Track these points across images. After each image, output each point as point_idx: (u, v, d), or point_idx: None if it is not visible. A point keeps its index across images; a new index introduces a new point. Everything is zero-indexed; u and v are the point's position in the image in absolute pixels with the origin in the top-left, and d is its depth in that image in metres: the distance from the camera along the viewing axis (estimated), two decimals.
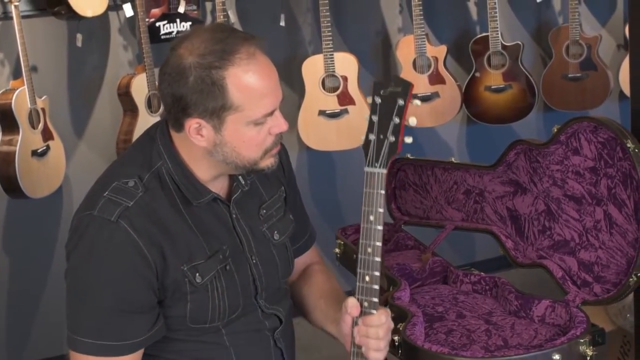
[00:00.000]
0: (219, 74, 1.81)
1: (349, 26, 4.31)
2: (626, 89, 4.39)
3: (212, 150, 1.89)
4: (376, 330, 1.88)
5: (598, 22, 4.70)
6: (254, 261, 2.00)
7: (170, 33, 4.03)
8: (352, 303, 1.88)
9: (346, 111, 4.14)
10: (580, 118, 2.32)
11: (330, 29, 4.00)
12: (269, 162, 1.94)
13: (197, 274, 1.88)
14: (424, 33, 4.15)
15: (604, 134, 2.27)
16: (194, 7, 4.08)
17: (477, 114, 4.39)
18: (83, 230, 1.85)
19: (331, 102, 4.12)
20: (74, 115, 4.06)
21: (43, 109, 3.76)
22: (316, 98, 4.11)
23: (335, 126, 4.16)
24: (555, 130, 2.38)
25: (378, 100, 1.80)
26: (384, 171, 1.81)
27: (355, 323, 1.89)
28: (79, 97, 4.05)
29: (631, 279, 2.21)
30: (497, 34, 4.23)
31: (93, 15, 3.75)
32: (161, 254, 1.84)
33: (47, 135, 3.81)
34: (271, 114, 1.87)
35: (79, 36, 3.91)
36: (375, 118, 1.80)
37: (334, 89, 4.11)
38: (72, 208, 4.14)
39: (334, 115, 4.13)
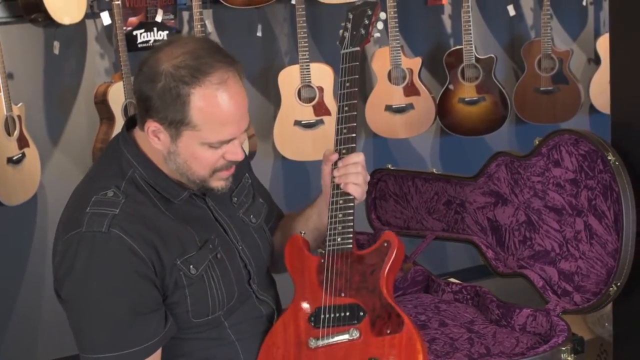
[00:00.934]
0: (186, 90, 1.83)
1: (325, 37, 4.34)
2: (596, 103, 4.47)
3: (167, 157, 1.92)
4: (355, 166, 2.06)
5: (569, 37, 4.78)
6: (241, 247, 2.06)
7: (147, 42, 4.04)
8: (329, 151, 2.09)
9: (322, 122, 4.17)
10: (561, 131, 2.37)
11: (306, 39, 4.03)
12: (219, 184, 1.97)
13: (191, 266, 1.91)
14: (399, 45, 4.20)
15: (585, 146, 2.32)
16: (171, 16, 4.09)
17: (450, 125, 4.44)
18: (75, 249, 1.84)
19: (307, 113, 4.15)
20: (49, 123, 4.05)
21: (19, 116, 3.74)
22: (292, 108, 4.14)
23: (310, 136, 4.18)
24: (537, 142, 2.43)
25: (351, 15, 2.24)
26: (358, 49, 2.19)
27: (334, 168, 2.08)
28: (55, 104, 4.04)
29: (611, 289, 2.26)
30: (471, 47, 4.29)
31: (70, 23, 3.74)
32: (156, 253, 1.86)
33: (22, 142, 3.79)
34: (228, 141, 1.90)
35: (56, 44, 3.91)
36: (349, 25, 2.22)
37: (310, 100, 4.14)
38: (47, 216, 4.14)
39: (309, 126, 4.16)
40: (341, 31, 2.23)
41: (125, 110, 3.92)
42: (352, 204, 2.07)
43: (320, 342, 1.99)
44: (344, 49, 2.19)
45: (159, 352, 1.90)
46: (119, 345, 1.83)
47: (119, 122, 3.94)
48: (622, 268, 2.23)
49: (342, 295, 2.03)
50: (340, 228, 2.07)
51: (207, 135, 1.86)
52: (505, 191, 2.56)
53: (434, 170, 2.77)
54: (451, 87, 4.38)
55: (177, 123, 1.85)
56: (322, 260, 2.08)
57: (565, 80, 4.42)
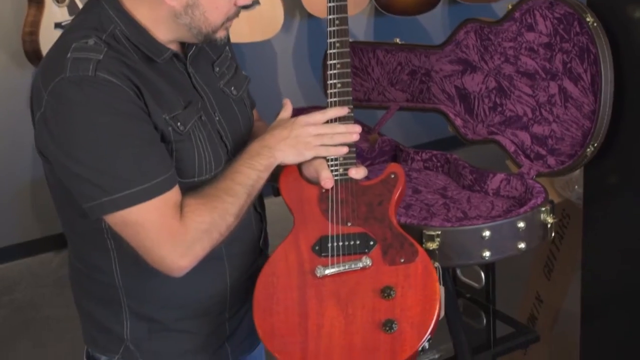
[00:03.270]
0: None
1: None
2: None
3: (181, 12, 1.84)
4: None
5: None
6: (217, 118, 1.98)
7: None
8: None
9: (257, 2, 4.08)
10: None
11: None
12: (222, 34, 1.94)
13: (179, 123, 1.83)
14: None
15: (561, 9, 2.31)
16: None
17: (384, 5, 4.40)
18: (62, 97, 1.72)
19: None
20: None
21: None
22: None
23: (246, 17, 4.10)
24: (510, 7, 2.41)
25: None
26: None
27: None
28: None
29: (588, 149, 2.29)
30: None
31: None
32: (144, 99, 1.78)
33: None
34: None
35: None
36: None
37: None
38: None
39: (244, 7, 4.07)
40: None
41: None
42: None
43: (329, 270, 1.89)
44: None
45: (177, 187, 1.81)
46: (141, 178, 1.74)
47: (49, 5, 3.80)
48: (599, 128, 2.26)
49: (349, 224, 1.96)
50: (342, 159, 2.00)
51: None
52: (474, 58, 2.55)
53: (397, 41, 2.74)
54: None
55: None
56: (323, 190, 1.99)
57: None
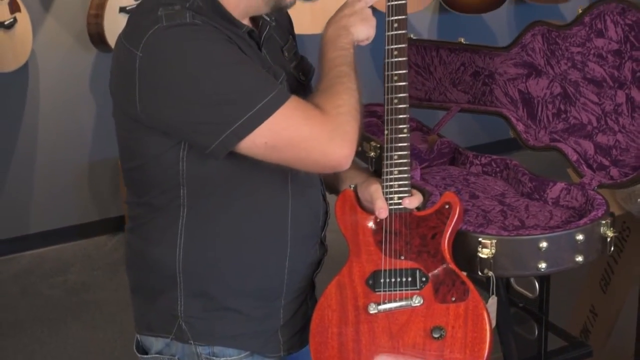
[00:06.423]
0: None
1: None
2: None
3: None
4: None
5: None
6: None
7: None
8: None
9: None
10: None
11: None
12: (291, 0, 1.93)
13: None
14: None
15: (633, 16, 2.24)
16: None
17: (450, 2, 4.34)
18: (164, 42, 1.71)
19: None
20: None
21: None
22: None
23: (309, 9, 4.07)
24: (580, 11, 2.35)
25: None
26: (404, 1, 1.90)
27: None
28: None
29: None
30: None
31: None
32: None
33: (14, 6, 3.66)
34: None
35: None
36: None
37: None
38: (38, 83, 4.02)
39: None
40: None
41: None
42: (407, 160, 1.95)
43: (381, 308, 1.92)
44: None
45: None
46: (270, 86, 1.74)
47: None
48: None
49: (402, 258, 1.95)
50: (396, 186, 1.95)
51: None
52: (540, 62, 2.48)
53: (462, 40, 2.69)
54: None
55: None
56: (378, 220, 1.97)
57: None
